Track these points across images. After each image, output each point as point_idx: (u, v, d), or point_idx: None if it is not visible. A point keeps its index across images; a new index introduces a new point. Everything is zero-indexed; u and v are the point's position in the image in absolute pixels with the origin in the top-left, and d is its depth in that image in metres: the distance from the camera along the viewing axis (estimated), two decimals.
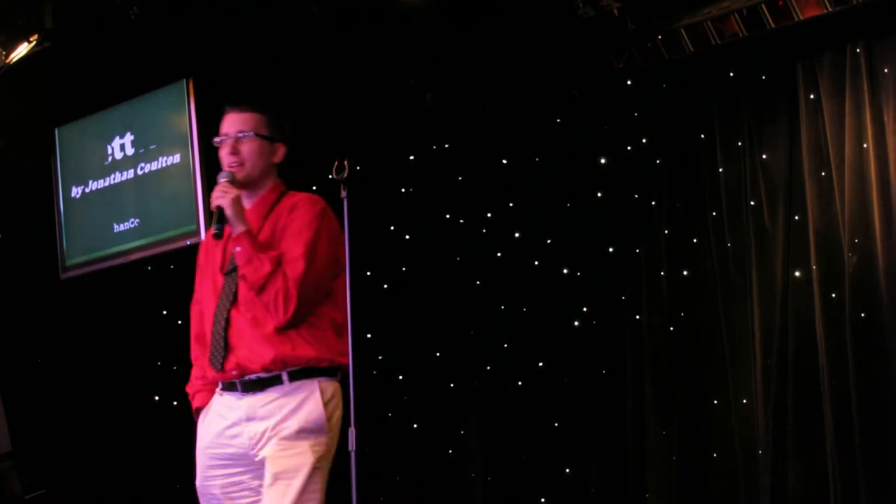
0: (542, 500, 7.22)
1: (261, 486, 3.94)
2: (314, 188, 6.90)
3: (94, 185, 6.95)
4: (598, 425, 7.14)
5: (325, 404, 3.94)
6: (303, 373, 3.96)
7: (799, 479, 6.31)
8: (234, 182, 4.00)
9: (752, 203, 6.63)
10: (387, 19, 6.26)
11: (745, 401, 6.57)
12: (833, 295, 6.26)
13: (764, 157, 6.62)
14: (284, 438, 3.89)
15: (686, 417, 6.81)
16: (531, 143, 7.27)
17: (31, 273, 7.16)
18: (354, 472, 3.69)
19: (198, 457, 4.12)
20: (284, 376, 3.94)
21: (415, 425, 7.45)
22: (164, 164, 6.60)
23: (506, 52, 6.64)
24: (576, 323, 7.20)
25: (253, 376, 3.94)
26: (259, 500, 3.95)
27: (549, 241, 7.28)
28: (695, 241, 6.89)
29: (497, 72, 6.79)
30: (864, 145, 6.17)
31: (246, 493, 4.01)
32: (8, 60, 6.18)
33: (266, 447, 3.90)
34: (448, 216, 7.43)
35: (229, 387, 4.01)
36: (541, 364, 7.26)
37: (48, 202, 7.11)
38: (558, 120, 7.24)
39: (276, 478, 3.86)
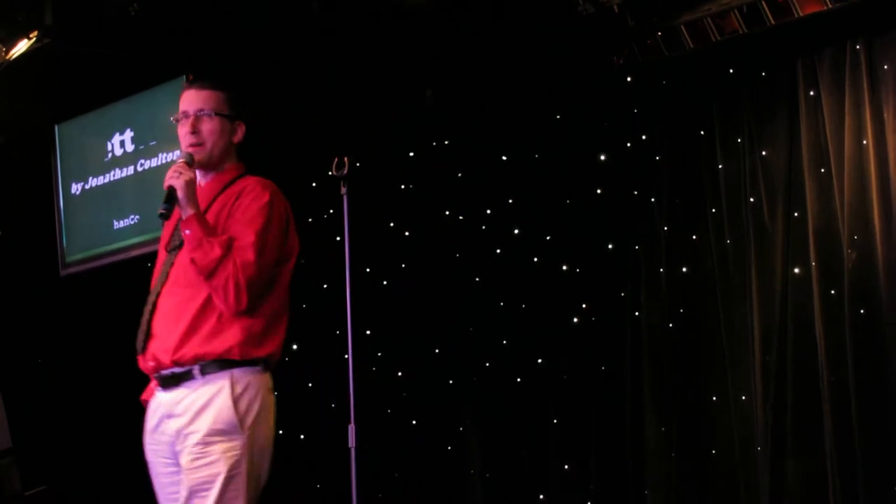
0: (541, 496, 7.22)
1: (179, 483, 3.87)
2: (314, 185, 6.95)
3: (94, 182, 6.96)
4: (597, 422, 7.14)
5: (237, 401, 3.77)
6: (215, 365, 3.81)
7: (798, 476, 6.32)
8: (191, 164, 3.89)
9: (752, 200, 6.63)
10: (387, 16, 6.26)
11: (744, 398, 6.58)
12: (832, 292, 6.26)
13: (764, 153, 6.62)
14: (196, 445, 3.77)
15: (685, 415, 6.82)
16: (531, 139, 7.27)
17: (31, 270, 7.16)
18: (354, 469, 3.68)
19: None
20: (196, 370, 3.80)
21: (414, 422, 7.45)
22: (164, 161, 6.61)
23: (506, 48, 6.64)
24: (575, 320, 7.20)
25: (167, 371, 3.82)
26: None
27: (548, 238, 7.28)
28: (694, 238, 6.89)
29: (497, 69, 6.79)
30: (864, 142, 6.17)
31: (176, 486, 3.90)
32: (8, 57, 6.18)
33: (181, 455, 3.81)
34: (447, 213, 7.43)
35: (158, 380, 3.89)
36: (540, 361, 7.26)
37: (48, 199, 7.12)
38: (558, 117, 7.24)
39: (190, 495, 3.77)
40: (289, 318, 3.97)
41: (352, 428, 3.70)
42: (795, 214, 6.50)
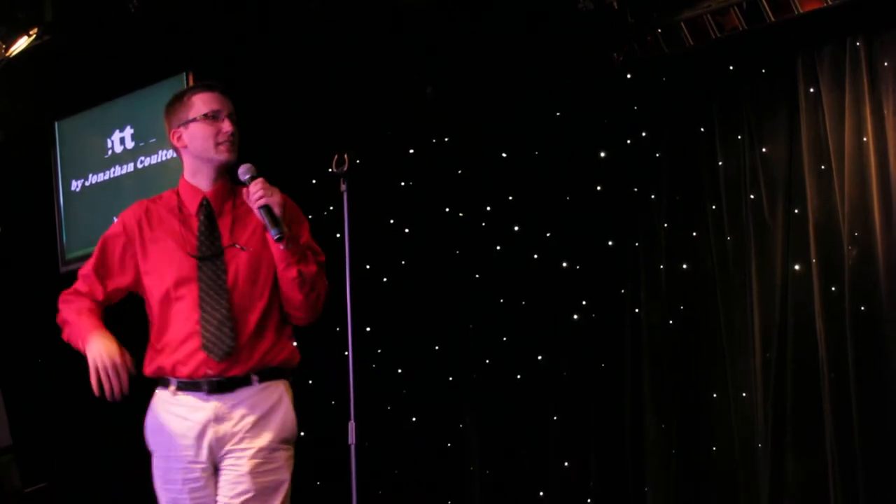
0: (541, 493, 7.22)
1: (214, 484, 3.91)
2: (314, 182, 6.94)
3: (94, 179, 6.95)
4: (596, 419, 7.14)
5: (291, 410, 3.95)
6: (273, 373, 3.93)
7: (798, 472, 6.32)
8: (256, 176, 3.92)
9: (752, 197, 6.63)
10: (387, 13, 6.26)
11: (744, 395, 6.58)
12: (833, 288, 6.26)
13: (763, 150, 6.62)
14: (261, 451, 3.87)
15: (685, 412, 6.82)
16: (531, 137, 7.27)
17: (31, 266, 7.16)
18: (354, 466, 3.69)
19: (159, 460, 4.03)
20: (255, 378, 3.90)
21: (414, 419, 7.45)
22: (163, 158, 6.60)
23: (506, 46, 6.64)
24: (575, 317, 7.20)
25: (219, 377, 3.87)
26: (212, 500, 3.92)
27: (548, 236, 7.28)
28: (694, 234, 6.89)
29: (497, 66, 6.78)
30: (864, 139, 6.17)
31: (208, 496, 3.94)
32: (8, 54, 6.18)
33: (240, 460, 3.86)
34: (447, 210, 7.43)
35: (191, 387, 3.92)
36: (540, 358, 7.26)
37: (48, 195, 7.11)
38: (558, 114, 7.24)
39: (249, 501, 3.84)
40: None
41: (352, 425, 3.71)
42: (796, 211, 6.50)
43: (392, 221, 7.47)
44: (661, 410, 6.89)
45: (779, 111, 6.59)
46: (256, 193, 3.85)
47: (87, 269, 4.09)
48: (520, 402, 7.31)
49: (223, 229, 3.99)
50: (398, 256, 7.45)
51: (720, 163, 6.78)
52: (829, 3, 6.01)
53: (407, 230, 7.45)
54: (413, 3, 6.20)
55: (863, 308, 6.13)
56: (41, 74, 6.55)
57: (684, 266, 6.90)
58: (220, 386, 3.89)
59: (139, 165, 6.74)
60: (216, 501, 3.92)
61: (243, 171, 3.93)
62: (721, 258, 6.75)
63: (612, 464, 7.08)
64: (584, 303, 7.19)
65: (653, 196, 7.05)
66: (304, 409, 7.06)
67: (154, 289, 4.02)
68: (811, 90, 6.42)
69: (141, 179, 6.72)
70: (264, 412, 3.91)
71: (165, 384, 3.99)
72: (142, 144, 6.71)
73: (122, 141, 6.81)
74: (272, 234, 3.80)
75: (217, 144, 4.01)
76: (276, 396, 3.95)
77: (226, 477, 3.89)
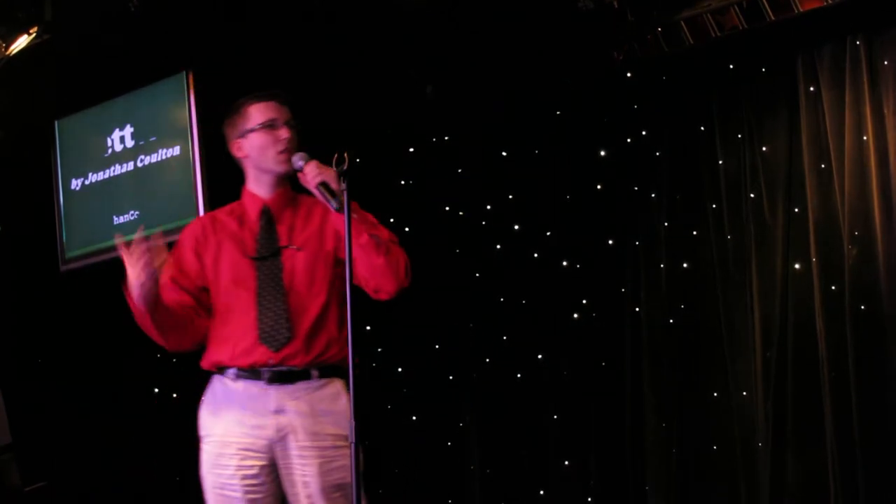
0: (541, 492, 7.23)
1: (272, 481, 3.96)
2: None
3: (93, 178, 6.95)
4: (596, 418, 7.14)
5: (345, 403, 3.99)
6: (330, 370, 4.00)
7: (798, 471, 6.32)
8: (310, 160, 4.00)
9: (752, 195, 6.63)
10: (387, 11, 6.25)
11: (744, 393, 6.58)
12: (833, 287, 6.26)
13: (764, 149, 6.62)
14: (327, 448, 3.94)
15: (685, 410, 6.82)
16: (531, 135, 7.27)
17: (30, 265, 7.16)
18: (353, 465, 3.69)
19: (211, 446, 4.07)
20: (314, 371, 3.97)
21: (414, 418, 7.45)
22: (163, 157, 6.60)
23: (506, 44, 6.64)
24: (575, 315, 7.20)
25: (280, 367, 3.94)
26: (267, 497, 3.96)
27: (548, 234, 7.28)
28: (694, 233, 6.89)
29: (497, 65, 6.78)
30: (864, 138, 6.17)
31: (264, 486, 3.98)
32: (8, 53, 6.18)
33: (305, 458, 3.92)
34: (447, 209, 7.43)
35: (251, 375, 3.98)
36: (540, 357, 7.26)
37: (48, 194, 7.11)
38: (558, 112, 7.24)
39: (317, 495, 3.90)
40: None
41: (352, 424, 3.70)
42: (796, 210, 6.50)
43: (392, 220, 7.46)
44: (661, 409, 6.89)
45: (779, 110, 6.59)
46: (312, 172, 3.92)
47: (163, 279, 4.09)
48: (520, 401, 7.31)
49: (281, 233, 4.09)
50: None
51: (720, 162, 6.78)
52: (829, 1, 6.00)
53: (407, 229, 7.45)
54: (413, 2, 6.19)
55: (863, 307, 6.13)
56: (41, 73, 6.55)
57: (684, 265, 6.90)
58: (279, 376, 3.95)
59: (139, 164, 6.73)
60: (267, 491, 3.97)
61: (297, 158, 4.01)
62: (721, 257, 6.75)
63: (612, 463, 7.08)
64: (584, 302, 7.20)
65: (653, 195, 7.05)
66: None
67: (214, 288, 4.12)
68: (811, 89, 6.42)
69: (141, 178, 6.72)
70: (324, 408, 3.96)
71: (224, 372, 4.06)
72: (142, 143, 6.71)
73: (122, 140, 6.81)
74: (332, 205, 3.85)
75: (277, 153, 4.10)
76: (335, 392, 4.01)
77: (291, 474, 3.94)
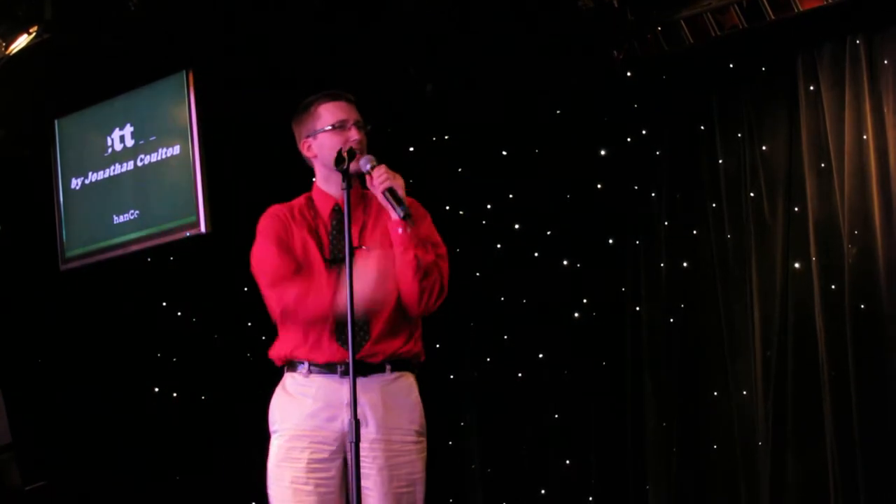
0: (542, 491, 7.23)
1: (344, 475, 3.96)
2: (314, 179, 6.93)
3: (93, 177, 6.95)
4: (597, 417, 7.15)
5: (418, 397, 4.06)
6: (403, 364, 4.05)
7: (798, 470, 6.32)
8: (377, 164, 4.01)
9: (752, 195, 6.63)
10: (387, 9, 6.25)
11: (744, 392, 6.58)
12: (833, 286, 6.26)
13: (764, 148, 6.62)
14: (396, 444, 3.97)
15: (685, 409, 6.82)
16: (531, 134, 7.27)
17: (30, 264, 7.16)
18: (354, 464, 3.69)
19: (282, 440, 4.04)
20: (388, 365, 4.00)
21: None
22: (163, 156, 6.60)
23: (506, 43, 6.64)
24: (575, 315, 7.20)
25: (357, 361, 3.90)
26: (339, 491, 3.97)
27: (548, 233, 7.28)
28: (694, 232, 6.89)
29: (497, 64, 6.78)
30: (864, 137, 6.17)
31: (330, 479, 3.98)
32: (7, 52, 6.17)
33: (373, 451, 3.92)
34: (448, 208, 7.43)
35: (325, 369, 3.99)
36: (540, 356, 7.26)
37: (48, 194, 7.11)
38: (558, 111, 7.24)
39: (388, 492, 3.93)
40: None
41: (352, 423, 3.70)
42: (796, 209, 6.50)
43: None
44: (661, 408, 6.89)
45: (779, 109, 6.59)
46: (380, 177, 3.95)
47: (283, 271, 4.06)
48: (521, 400, 7.31)
49: (353, 233, 4.06)
50: None
51: (720, 161, 6.78)
52: (829, 1, 6.00)
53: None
54: (413, 2, 6.19)
55: (863, 306, 6.13)
56: (41, 72, 6.54)
57: (684, 264, 6.90)
58: (358, 369, 3.93)
59: (139, 163, 6.73)
60: (338, 485, 3.97)
61: (364, 162, 4.02)
62: (721, 256, 6.75)
63: (612, 462, 7.09)
64: (584, 301, 7.20)
65: (653, 194, 7.05)
66: None
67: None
68: (811, 88, 6.42)
69: (141, 177, 6.72)
70: (397, 401, 4.00)
71: (296, 367, 4.05)
72: (142, 142, 6.71)
73: (122, 139, 6.81)
74: (397, 212, 3.90)
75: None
76: (407, 387, 4.06)
77: (363, 469, 3.91)
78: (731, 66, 6.74)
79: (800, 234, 6.46)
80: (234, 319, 7.16)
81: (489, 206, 7.41)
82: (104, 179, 6.89)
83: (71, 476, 6.89)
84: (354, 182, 4.11)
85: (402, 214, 3.89)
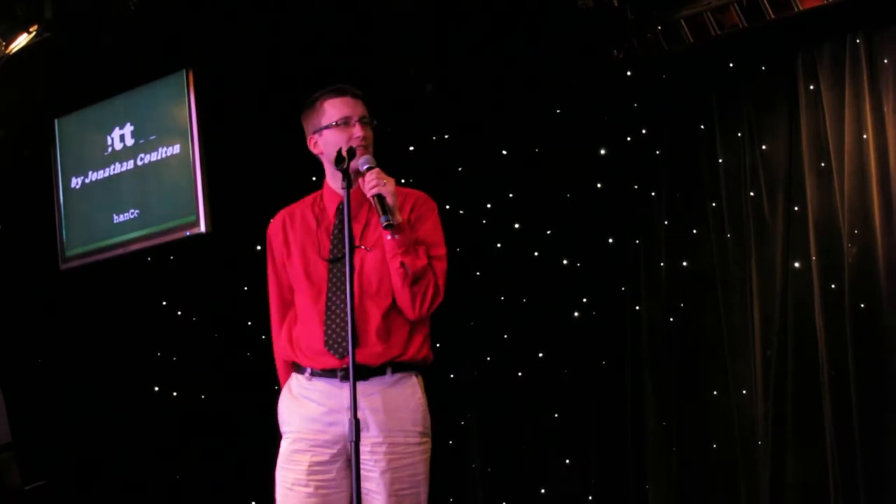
0: (542, 491, 7.22)
1: (345, 478, 3.97)
2: (314, 179, 6.93)
3: (93, 176, 6.95)
4: (597, 416, 7.14)
5: (424, 402, 4.06)
6: (404, 366, 4.02)
7: (798, 470, 6.32)
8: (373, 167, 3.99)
9: (752, 194, 6.63)
10: (387, 8, 6.25)
11: (744, 392, 6.58)
12: (833, 286, 6.26)
13: (763, 148, 6.62)
14: (398, 445, 3.96)
15: (685, 409, 6.82)
16: (531, 133, 7.27)
17: (30, 264, 7.16)
18: (354, 463, 3.69)
19: (287, 441, 4.07)
20: (388, 368, 3.99)
21: None
22: (163, 155, 6.60)
23: (506, 42, 6.64)
24: (575, 314, 7.20)
25: (356, 365, 3.89)
26: (340, 492, 3.98)
27: (548, 233, 7.28)
28: (694, 232, 6.89)
29: (497, 63, 6.78)
30: (864, 136, 6.17)
31: (330, 480, 3.99)
32: (8, 51, 6.18)
33: (376, 455, 3.93)
34: (448, 207, 7.42)
35: (326, 374, 4.00)
36: (540, 355, 7.25)
37: (48, 193, 7.12)
38: (558, 111, 7.23)
39: (391, 495, 3.92)
40: None
41: (352, 422, 3.70)
42: (795, 209, 6.50)
43: None
44: (661, 408, 6.89)
45: (779, 108, 6.59)
46: (370, 182, 3.93)
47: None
48: (521, 399, 7.30)
49: (356, 231, 4.07)
50: None
51: (720, 160, 6.78)
52: (829, 0, 6.00)
53: None
54: (413, 1, 6.19)
55: (863, 305, 6.13)
56: (41, 72, 6.55)
57: (684, 263, 6.90)
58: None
59: (139, 163, 6.74)
60: (340, 487, 3.98)
61: (362, 162, 4.01)
62: (721, 256, 6.75)
63: (612, 461, 7.08)
64: (584, 300, 7.19)
65: (653, 193, 7.05)
66: None
67: (294, 284, 4.15)
68: (811, 87, 6.42)
69: (141, 177, 6.73)
70: (398, 403, 3.99)
71: (301, 370, 4.08)
72: (142, 142, 6.72)
73: (122, 138, 6.82)
74: (381, 220, 3.88)
75: (355, 147, 4.07)
76: (410, 388, 4.04)
77: (363, 471, 3.92)
78: (731, 65, 6.74)
79: (800, 234, 6.45)
80: (234, 319, 7.16)
81: (489, 206, 7.41)
82: (104, 179, 6.90)
83: (71, 476, 6.89)
84: (359, 180, 4.10)
85: (384, 223, 3.87)
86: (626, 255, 7.15)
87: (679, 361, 6.86)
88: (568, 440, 7.21)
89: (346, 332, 3.90)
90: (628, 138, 7.14)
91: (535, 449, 7.30)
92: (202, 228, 6.35)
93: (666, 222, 6.96)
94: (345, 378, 3.93)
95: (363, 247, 4.03)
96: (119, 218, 6.80)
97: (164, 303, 7.30)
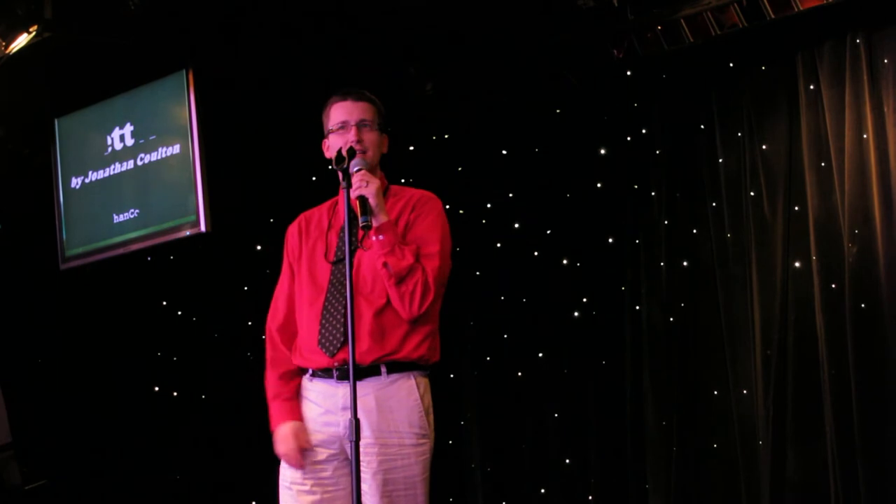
0: (542, 490, 7.23)
1: (342, 475, 4.00)
2: (314, 178, 6.94)
3: (93, 176, 6.96)
4: (597, 416, 7.14)
5: (422, 402, 4.03)
6: (400, 365, 4.02)
7: (799, 469, 6.32)
8: (368, 169, 4.01)
9: (752, 193, 6.63)
10: (387, 7, 6.25)
11: (744, 391, 6.57)
12: (833, 285, 6.26)
13: (764, 147, 6.62)
14: (393, 446, 3.96)
15: (686, 408, 6.82)
16: (531, 133, 7.27)
17: (31, 263, 7.16)
18: (355, 463, 3.69)
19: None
20: (382, 368, 3.99)
21: None
22: (163, 155, 6.61)
23: (506, 42, 6.64)
24: (575, 313, 7.20)
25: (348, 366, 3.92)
26: (338, 490, 3.99)
27: (548, 232, 7.28)
28: (694, 231, 6.88)
29: (497, 62, 6.78)
30: (864, 136, 6.17)
31: (327, 479, 4.01)
32: (8, 51, 6.18)
33: (368, 455, 3.92)
34: (447, 206, 7.40)
35: (323, 374, 4.03)
36: (540, 354, 7.26)
37: (48, 193, 7.12)
38: (558, 110, 7.24)
39: (384, 495, 3.93)
40: None
41: (352, 422, 3.70)
42: (796, 208, 6.49)
43: None
44: (661, 407, 6.88)
45: (779, 108, 6.59)
46: (354, 184, 3.93)
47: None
48: (520, 399, 7.31)
49: (359, 233, 4.06)
50: None
51: (720, 160, 6.77)
52: (829, 0, 6.00)
53: None
54: (413, 1, 6.19)
55: (863, 305, 6.13)
56: (41, 71, 6.55)
57: (684, 263, 6.90)
58: (347, 374, 3.90)
59: (139, 162, 6.74)
60: (338, 486, 4.00)
61: (353, 165, 4.01)
62: (721, 255, 6.75)
63: (612, 460, 7.08)
64: (584, 300, 7.19)
65: (653, 193, 7.04)
66: None
67: (298, 289, 4.19)
68: (811, 87, 6.41)
69: (141, 176, 6.73)
70: (393, 405, 3.99)
71: (304, 372, 4.12)
72: (142, 142, 6.72)
73: (122, 138, 6.82)
74: (359, 221, 3.89)
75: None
76: (406, 389, 4.03)
77: (360, 472, 3.90)
78: (731, 64, 6.74)
79: (800, 233, 6.45)
80: (234, 319, 7.16)
81: (489, 205, 7.41)
82: (104, 178, 6.90)
83: (71, 476, 6.90)
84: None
85: (361, 224, 3.88)
86: (626, 255, 7.14)
87: (679, 361, 6.85)
88: (568, 439, 7.21)
89: (338, 330, 3.95)
90: (628, 137, 7.13)
91: (534, 448, 7.30)
92: (202, 228, 6.36)
93: (666, 222, 6.96)
94: (340, 378, 3.97)
95: (362, 247, 4.04)
96: (119, 218, 6.80)
97: (164, 303, 7.30)
